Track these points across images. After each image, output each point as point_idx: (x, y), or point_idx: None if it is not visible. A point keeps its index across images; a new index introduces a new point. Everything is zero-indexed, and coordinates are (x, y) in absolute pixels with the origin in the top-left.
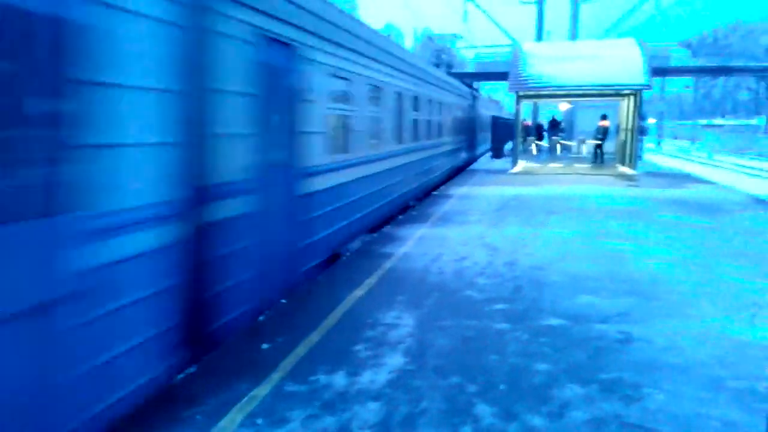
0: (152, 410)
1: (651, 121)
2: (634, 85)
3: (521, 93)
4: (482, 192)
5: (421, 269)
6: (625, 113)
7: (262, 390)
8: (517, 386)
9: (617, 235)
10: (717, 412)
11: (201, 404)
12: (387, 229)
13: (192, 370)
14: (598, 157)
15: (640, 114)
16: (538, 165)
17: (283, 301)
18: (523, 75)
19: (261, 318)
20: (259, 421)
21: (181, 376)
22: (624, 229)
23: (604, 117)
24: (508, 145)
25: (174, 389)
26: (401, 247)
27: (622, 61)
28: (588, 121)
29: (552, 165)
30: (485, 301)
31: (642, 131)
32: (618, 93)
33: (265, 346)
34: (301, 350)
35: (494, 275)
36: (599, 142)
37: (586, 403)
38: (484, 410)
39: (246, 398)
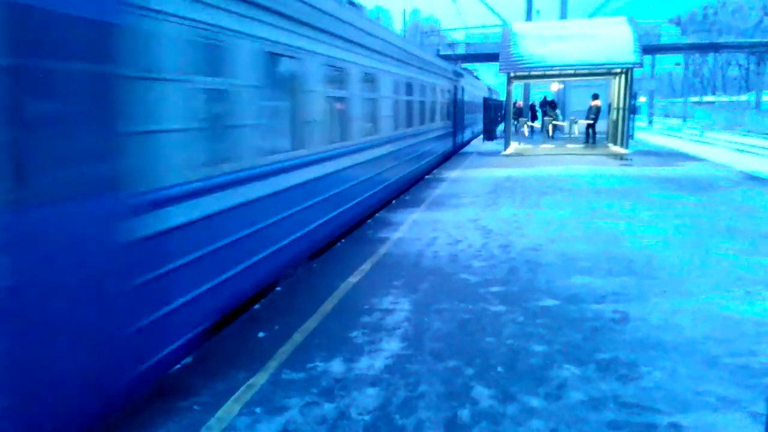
0: (149, 402)
1: (642, 99)
2: (625, 63)
3: (512, 74)
4: (475, 175)
5: (416, 254)
6: (616, 92)
7: (260, 378)
8: (515, 368)
9: (611, 215)
10: (713, 389)
11: (198, 395)
12: (381, 214)
13: (188, 360)
14: (590, 137)
15: (631, 92)
16: (531, 146)
17: (279, 288)
18: (514, 55)
19: (257, 306)
20: (258, 409)
21: (177, 366)
22: (617, 208)
23: (595, 96)
24: (501, 127)
25: (170, 380)
26: (395, 232)
27: (612, 40)
28: (580, 101)
29: (544, 146)
30: (481, 283)
31: (633, 110)
32: (609, 71)
33: (261, 334)
34: (297, 338)
35: (489, 258)
36: (591, 122)
37: (583, 384)
38: (481, 393)
39: (243, 387)
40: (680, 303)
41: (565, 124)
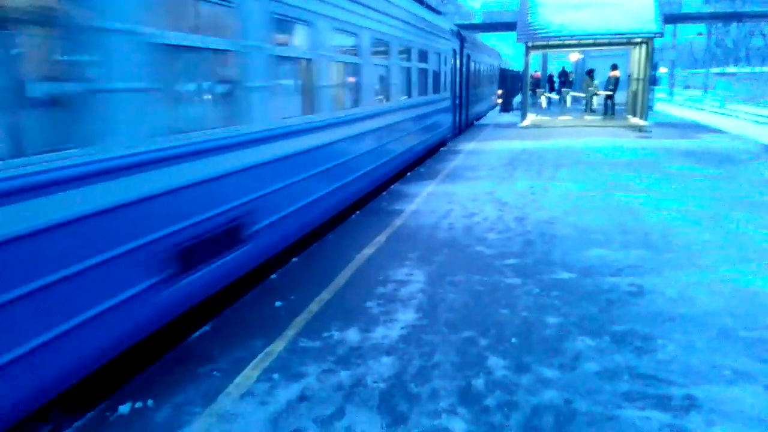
0: (168, 368)
1: (662, 70)
2: (646, 32)
3: (530, 44)
4: (491, 147)
5: (431, 226)
6: (636, 62)
7: (277, 346)
8: (529, 339)
9: (628, 188)
10: (729, 362)
11: (217, 361)
12: (395, 186)
13: (206, 328)
14: (608, 108)
15: (651, 63)
16: (548, 118)
17: (295, 259)
18: (532, 24)
19: (273, 276)
20: (275, 376)
21: (195, 334)
22: (635, 181)
23: (614, 67)
24: (518, 98)
25: (189, 347)
26: (410, 204)
27: (633, 8)
28: (599, 71)
29: (562, 117)
30: (496, 256)
31: (653, 81)
32: (629, 41)
33: (278, 303)
34: (313, 307)
35: (504, 230)
36: (610, 93)
37: (598, 355)
38: (496, 363)
39: (261, 354)
40: (697, 276)
41: (584, 95)
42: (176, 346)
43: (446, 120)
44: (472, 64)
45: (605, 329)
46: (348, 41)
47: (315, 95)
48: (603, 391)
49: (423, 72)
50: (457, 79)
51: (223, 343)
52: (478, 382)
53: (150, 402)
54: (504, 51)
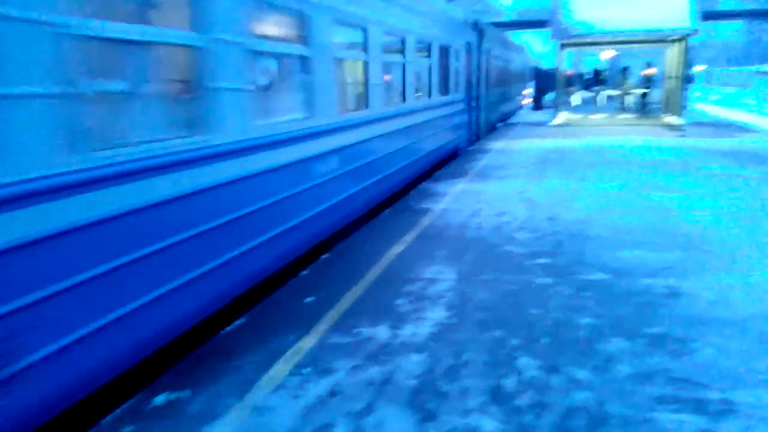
0: (203, 360)
1: (698, 68)
2: (681, 29)
3: (563, 41)
4: (521, 146)
5: (460, 224)
6: (671, 60)
7: (308, 341)
8: (561, 340)
9: (663, 188)
10: (766, 366)
11: (250, 354)
12: (424, 185)
13: (241, 321)
14: (643, 107)
15: (687, 61)
16: (581, 116)
17: (325, 256)
18: (565, 22)
19: (305, 272)
20: (306, 370)
21: (229, 328)
22: (670, 181)
23: (649, 65)
24: (549, 96)
25: (223, 340)
26: (439, 203)
27: (668, 5)
28: (633, 69)
29: (595, 116)
30: (526, 255)
31: (689, 79)
32: (664, 39)
33: (308, 299)
34: (343, 304)
35: (535, 230)
36: (644, 91)
37: (632, 358)
38: (527, 363)
39: (293, 349)
40: (734, 279)
41: (617, 93)
42: (211, 338)
43: (458, 127)
44: (494, 61)
45: (639, 331)
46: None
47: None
48: (637, 394)
49: (423, 70)
50: (474, 78)
51: (256, 336)
52: (509, 382)
53: (185, 393)
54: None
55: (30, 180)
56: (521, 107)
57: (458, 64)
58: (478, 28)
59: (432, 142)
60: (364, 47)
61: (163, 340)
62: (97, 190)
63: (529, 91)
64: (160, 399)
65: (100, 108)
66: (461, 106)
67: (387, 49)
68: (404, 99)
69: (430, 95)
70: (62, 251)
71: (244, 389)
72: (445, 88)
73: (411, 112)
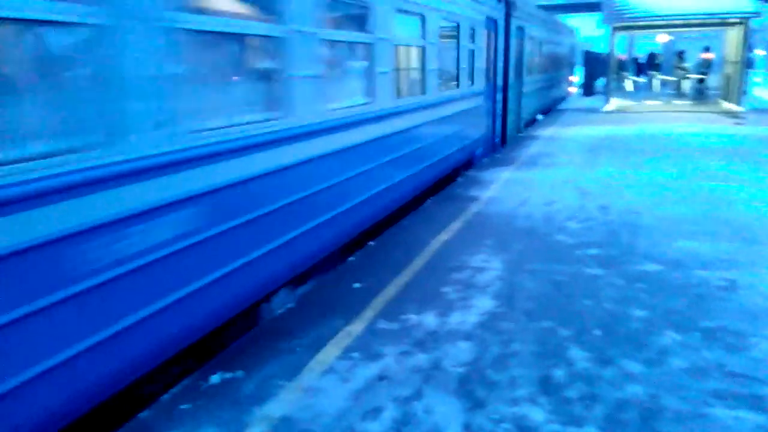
0: (254, 343)
1: (759, 52)
2: (743, 12)
3: (616, 25)
4: (571, 133)
5: (508, 213)
6: (730, 44)
7: (356, 326)
8: (612, 332)
9: (720, 177)
10: None
11: (300, 337)
12: (471, 172)
13: (290, 305)
14: (700, 93)
15: (747, 45)
16: (634, 102)
17: (372, 243)
18: (619, 5)
19: (351, 258)
20: (355, 355)
21: (280, 311)
22: (728, 170)
23: (707, 49)
24: (600, 82)
25: (274, 322)
26: (486, 190)
27: None
28: (689, 53)
29: (649, 102)
30: (577, 245)
31: (749, 64)
32: (724, 22)
33: (356, 285)
34: (390, 290)
35: (586, 219)
36: (702, 76)
37: (687, 351)
38: (577, 354)
39: (341, 333)
40: None
41: (673, 79)
42: (260, 321)
43: (474, 127)
44: (530, 43)
45: (694, 324)
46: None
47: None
48: (691, 388)
49: (417, 55)
50: (500, 63)
51: (305, 320)
52: (559, 373)
53: (239, 373)
54: (585, 30)
55: (162, 154)
56: (568, 95)
57: (476, 46)
58: (504, 1)
59: (431, 155)
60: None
61: (265, 291)
62: (206, 165)
63: (575, 78)
64: (215, 378)
65: (206, 94)
66: (476, 101)
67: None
68: (399, 94)
69: (424, 91)
70: (183, 216)
71: (294, 371)
72: (458, 77)
73: (403, 112)
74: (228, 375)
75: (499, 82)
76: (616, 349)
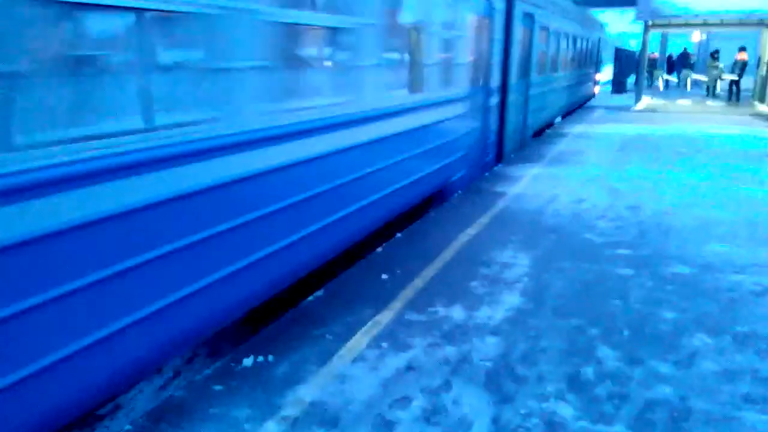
0: (284, 329)
1: None
2: None
3: (650, 22)
4: (601, 130)
5: (536, 210)
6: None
7: (385, 317)
8: (642, 332)
9: (755, 180)
10: None
11: (330, 325)
12: (498, 168)
13: (319, 293)
14: (733, 94)
15: None
16: (665, 102)
17: (398, 235)
18: (654, 1)
19: (379, 250)
20: (384, 344)
21: (310, 298)
22: (763, 173)
23: (742, 49)
24: (631, 79)
25: (305, 310)
26: (513, 186)
27: None
28: (723, 52)
29: (681, 102)
30: (606, 245)
31: None
32: (761, 22)
33: (384, 276)
34: (418, 283)
35: (616, 218)
36: (736, 77)
37: (718, 355)
38: (606, 353)
39: (370, 323)
40: None
41: (706, 78)
42: (293, 307)
43: (449, 147)
44: (541, 34)
45: (726, 328)
46: None
47: None
48: (722, 392)
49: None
50: (497, 58)
51: (335, 308)
52: (588, 371)
53: (270, 357)
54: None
55: (260, 129)
56: (592, 96)
57: (453, 35)
58: None
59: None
60: None
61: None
62: (286, 143)
63: (600, 76)
64: (248, 361)
65: (289, 78)
66: (455, 110)
67: None
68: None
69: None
70: (277, 183)
71: (325, 358)
72: (449, 79)
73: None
74: (260, 358)
75: (494, 82)
76: (645, 349)
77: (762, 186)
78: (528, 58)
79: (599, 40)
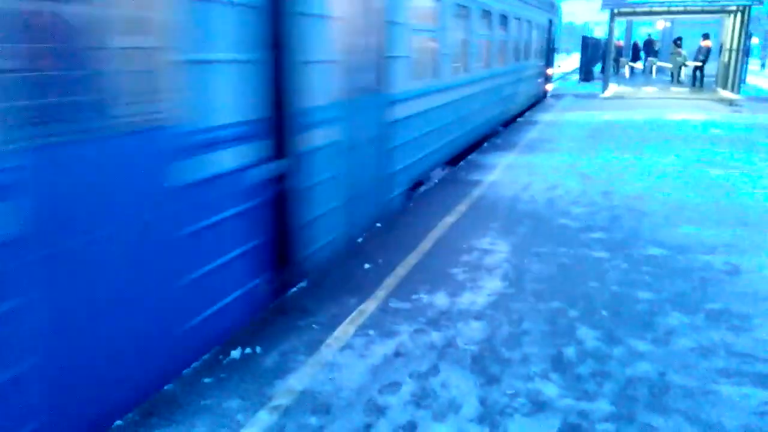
0: (270, 320)
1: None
2: (744, 0)
3: (616, 10)
4: (571, 118)
5: (512, 197)
6: (729, 32)
7: (369, 305)
8: (620, 313)
9: (721, 164)
10: None
11: (315, 315)
12: (472, 156)
13: (303, 284)
14: (697, 80)
15: (747, 33)
16: (632, 89)
17: (378, 225)
18: None
19: (360, 240)
20: (371, 332)
21: (293, 289)
22: (728, 157)
23: (706, 36)
24: (597, 68)
25: (288, 301)
26: (489, 174)
27: None
28: (686, 39)
29: (646, 89)
30: (581, 229)
31: (746, 52)
32: (723, 9)
33: (366, 265)
34: (400, 271)
35: (589, 204)
36: (700, 64)
37: (693, 332)
38: (586, 333)
39: (355, 312)
40: None
41: (671, 65)
42: (275, 300)
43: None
44: (435, 6)
45: (699, 306)
46: None
47: None
48: (698, 367)
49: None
50: (284, 79)
51: (319, 299)
52: (570, 351)
53: (258, 349)
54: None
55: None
56: (543, 97)
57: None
58: None
59: None
60: None
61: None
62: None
63: (556, 70)
64: (236, 353)
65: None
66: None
67: None
68: None
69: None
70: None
71: (313, 347)
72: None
73: None
74: (248, 350)
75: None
76: (624, 329)
77: (727, 169)
78: (378, 49)
79: (550, 23)
